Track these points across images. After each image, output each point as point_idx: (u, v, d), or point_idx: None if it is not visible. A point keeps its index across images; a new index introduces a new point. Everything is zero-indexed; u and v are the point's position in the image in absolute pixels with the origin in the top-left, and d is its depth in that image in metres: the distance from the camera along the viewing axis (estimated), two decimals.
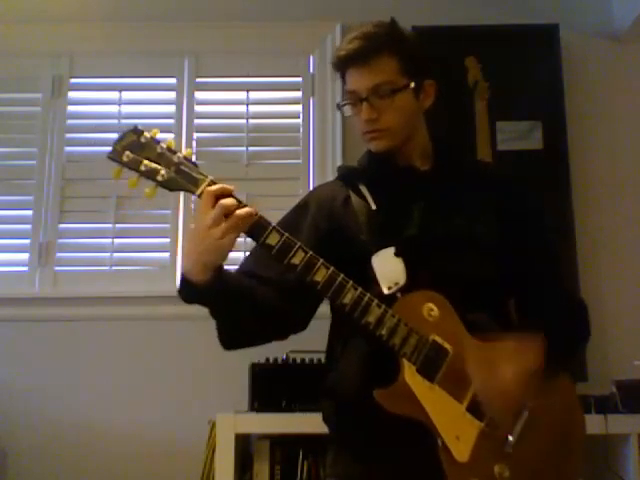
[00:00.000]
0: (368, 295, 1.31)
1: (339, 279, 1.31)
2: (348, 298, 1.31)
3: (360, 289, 1.31)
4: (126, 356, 2.76)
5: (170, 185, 1.30)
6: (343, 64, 1.46)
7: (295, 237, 1.33)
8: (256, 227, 1.30)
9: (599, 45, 3.04)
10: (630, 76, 3.03)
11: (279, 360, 2.43)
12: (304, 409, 2.28)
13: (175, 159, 1.31)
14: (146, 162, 1.30)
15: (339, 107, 1.50)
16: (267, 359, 2.43)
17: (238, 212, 1.26)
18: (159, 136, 1.34)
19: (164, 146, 1.32)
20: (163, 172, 1.30)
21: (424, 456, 1.30)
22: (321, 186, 1.66)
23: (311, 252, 1.31)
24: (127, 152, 1.30)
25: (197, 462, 2.39)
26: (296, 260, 1.30)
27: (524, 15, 3.01)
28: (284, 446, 2.39)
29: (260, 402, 2.38)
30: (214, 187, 1.28)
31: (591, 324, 1.49)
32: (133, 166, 1.30)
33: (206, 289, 1.29)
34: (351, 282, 1.31)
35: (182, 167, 1.31)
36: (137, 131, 1.32)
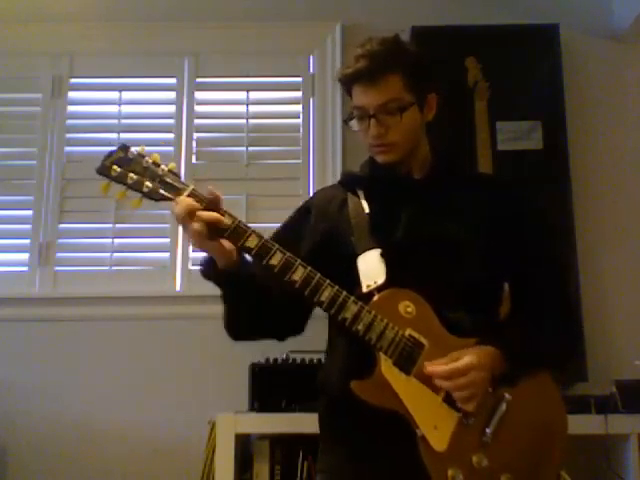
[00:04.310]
0: (345, 293, 1.37)
1: (316, 277, 1.37)
2: (325, 296, 1.37)
3: (337, 287, 1.37)
4: (126, 356, 2.76)
5: (154, 196, 1.40)
6: (350, 82, 1.50)
7: (297, 241, 1.43)
8: (235, 231, 1.37)
9: (599, 45, 3.04)
10: (630, 76, 3.02)
11: (279, 360, 2.44)
12: (304, 409, 2.27)
13: (159, 171, 1.41)
14: (132, 175, 1.40)
15: (346, 122, 1.55)
16: (267, 359, 2.43)
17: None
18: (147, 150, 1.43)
19: (149, 160, 1.41)
20: (148, 184, 1.40)
21: (409, 450, 1.32)
22: (322, 189, 1.72)
23: (289, 253, 1.37)
24: (115, 166, 1.40)
25: (197, 462, 2.39)
26: (274, 261, 1.37)
27: (524, 15, 3.01)
28: (284, 446, 2.39)
29: (260, 402, 2.38)
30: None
31: (578, 327, 1.56)
32: (120, 179, 1.40)
33: (223, 273, 1.41)
34: (328, 281, 1.37)
35: (166, 178, 1.41)
36: (125, 147, 1.42)
